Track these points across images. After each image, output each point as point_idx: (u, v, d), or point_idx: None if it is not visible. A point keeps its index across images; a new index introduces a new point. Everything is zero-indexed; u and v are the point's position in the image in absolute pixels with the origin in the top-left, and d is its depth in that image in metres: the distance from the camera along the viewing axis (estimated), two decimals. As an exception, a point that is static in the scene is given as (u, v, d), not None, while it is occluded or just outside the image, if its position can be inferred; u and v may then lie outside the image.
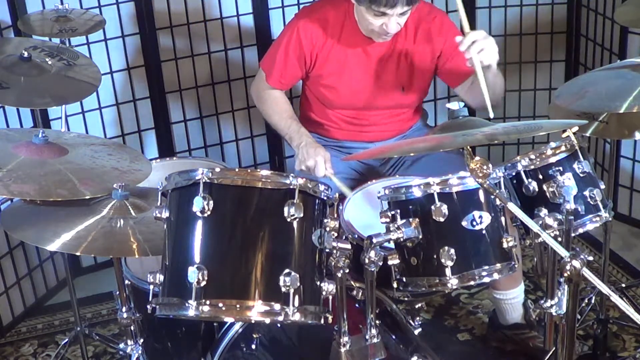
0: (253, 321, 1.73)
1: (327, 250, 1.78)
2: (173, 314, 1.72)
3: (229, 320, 1.95)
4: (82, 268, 3.47)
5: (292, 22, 2.78)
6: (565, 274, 1.55)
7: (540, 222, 1.94)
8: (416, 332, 2.12)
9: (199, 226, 1.69)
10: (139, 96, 3.44)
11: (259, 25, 3.51)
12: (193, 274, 1.65)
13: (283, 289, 1.67)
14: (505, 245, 1.91)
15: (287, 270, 1.67)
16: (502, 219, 1.94)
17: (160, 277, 1.74)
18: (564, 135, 2.17)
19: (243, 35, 3.52)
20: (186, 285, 1.66)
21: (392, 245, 1.92)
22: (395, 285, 1.93)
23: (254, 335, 2.12)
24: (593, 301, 2.76)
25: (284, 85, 2.83)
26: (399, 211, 1.90)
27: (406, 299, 2.13)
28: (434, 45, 2.69)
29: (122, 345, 2.14)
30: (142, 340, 2.14)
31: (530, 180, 2.15)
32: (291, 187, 1.70)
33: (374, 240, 1.81)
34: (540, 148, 2.17)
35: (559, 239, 1.96)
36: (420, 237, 1.88)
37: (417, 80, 2.74)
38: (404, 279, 1.92)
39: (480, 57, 2.32)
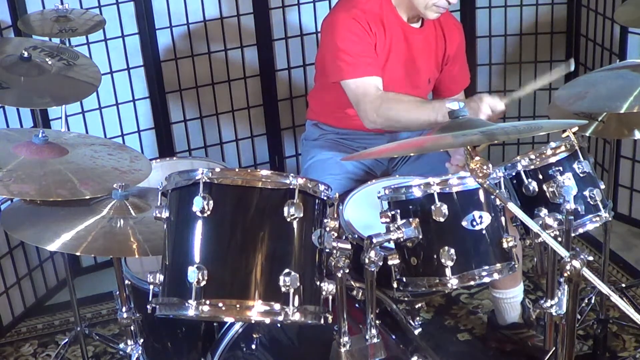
0: (253, 321, 1.72)
1: (327, 250, 1.77)
2: (173, 314, 1.71)
3: (229, 320, 1.94)
4: (82, 268, 3.47)
5: (334, 18, 2.62)
6: (565, 274, 1.54)
7: (540, 222, 1.94)
8: (416, 332, 2.12)
9: (198, 226, 1.69)
10: (139, 96, 3.44)
11: (259, 25, 3.51)
12: (193, 274, 1.65)
13: (283, 289, 1.67)
14: (505, 245, 1.90)
15: (287, 270, 1.67)
16: (502, 219, 1.93)
17: (160, 277, 1.73)
18: (564, 135, 2.16)
19: (243, 35, 3.52)
20: (186, 285, 1.66)
21: (392, 245, 1.92)
22: (395, 285, 1.93)
23: (254, 335, 2.11)
24: (593, 301, 2.76)
25: (381, 70, 2.57)
26: (399, 211, 1.89)
27: (406, 299, 2.13)
28: (447, 43, 2.73)
29: (122, 345, 2.14)
30: (142, 340, 2.15)
31: (530, 180, 2.15)
32: (291, 187, 1.70)
33: (374, 240, 1.80)
34: (540, 148, 2.16)
35: (559, 239, 1.96)
36: (420, 237, 1.87)
37: (436, 72, 2.77)
38: (404, 279, 1.92)
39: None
